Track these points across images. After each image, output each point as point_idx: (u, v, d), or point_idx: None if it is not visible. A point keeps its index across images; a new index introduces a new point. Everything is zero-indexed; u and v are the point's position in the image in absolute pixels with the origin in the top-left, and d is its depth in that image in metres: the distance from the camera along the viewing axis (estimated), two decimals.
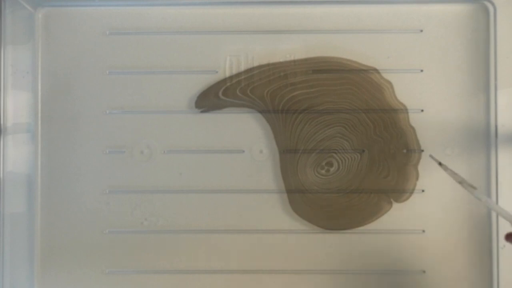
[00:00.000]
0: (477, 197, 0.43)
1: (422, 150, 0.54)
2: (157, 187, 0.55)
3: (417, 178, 0.54)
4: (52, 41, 0.56)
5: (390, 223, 0.54)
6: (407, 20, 0.55)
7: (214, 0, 0.55)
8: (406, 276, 0.54)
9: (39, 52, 0.55)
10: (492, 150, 0.54)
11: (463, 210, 0.54)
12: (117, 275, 0.55)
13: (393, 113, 0.54)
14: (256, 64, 0.55)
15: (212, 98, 0.55)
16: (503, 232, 0.51)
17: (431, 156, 0.51)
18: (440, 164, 0.48)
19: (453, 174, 0.46)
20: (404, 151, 0.54)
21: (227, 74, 0.55)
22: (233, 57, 0.55)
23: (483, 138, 0.54)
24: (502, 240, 0.52)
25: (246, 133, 0.55)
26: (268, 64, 0.55)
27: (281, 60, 0.55)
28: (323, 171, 0.55)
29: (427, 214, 0.54)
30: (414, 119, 0.54)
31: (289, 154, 0.55)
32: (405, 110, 0.54)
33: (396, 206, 0.54)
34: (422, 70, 0.55)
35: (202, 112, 0.55)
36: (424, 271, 0.54)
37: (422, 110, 0.55)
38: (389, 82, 0.54)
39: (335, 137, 0.55)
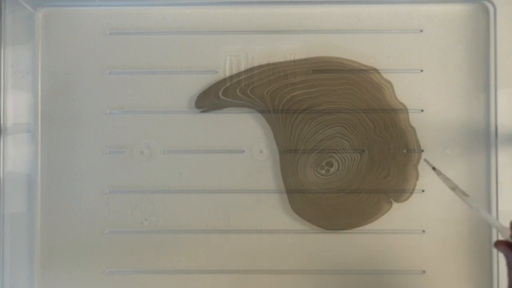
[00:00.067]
0: (469, 204, 0.43)
1: (422, 150, 0.54)
2: (157, 187, 0.55)
3: (417, 178, 0.54)
4: (52, 41, 0.56)
5: (390, 223, 0.54)
6: (407, 20, 0.55)
7: (214, 0, 0.55)
8: (406, 276, 0.54)
9: (39, 52, 0.55)
10: (492, 150, 0.54)
11: (463, 210, 0.54)
12: (117, 275, 0.55)
13: (393, 113, 0.54)
14: (256, 64, 0.55)
15: (212, 98, 0.55)
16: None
17: (425, 160, 0.51)
18: (434, 168, 0.48)
19: (446, 180, 0.45)
20: (404, 151, 0.54)
21: (227, 74, 0.55)
22: (233, 57, 0.55)
23: (483, 138, 0.54)
24: None
25: (246, 133, 0.55)
26: (268, 64, 0.55)
27: (281, 60, 0.55)
28: (323, 171, 0.55)
29: (427, 214, 0.54)
30: (414, 119, 0.54)
31: (289, 154, 0.55)
32: (405, 110, 0.54)
33: (396, 206, 0.54)
34: (422, 70, 0.55)
35: (202, 112, 0.55)
36: (424, 271, 0.54)
37: (422, 110, 0.55)
38: (389, 82, 0.54)
39: (335, 137, 0.55)
